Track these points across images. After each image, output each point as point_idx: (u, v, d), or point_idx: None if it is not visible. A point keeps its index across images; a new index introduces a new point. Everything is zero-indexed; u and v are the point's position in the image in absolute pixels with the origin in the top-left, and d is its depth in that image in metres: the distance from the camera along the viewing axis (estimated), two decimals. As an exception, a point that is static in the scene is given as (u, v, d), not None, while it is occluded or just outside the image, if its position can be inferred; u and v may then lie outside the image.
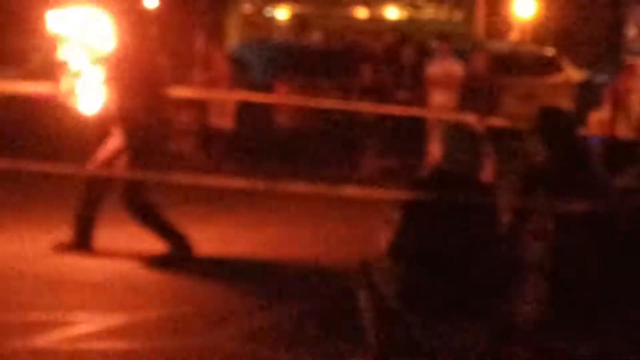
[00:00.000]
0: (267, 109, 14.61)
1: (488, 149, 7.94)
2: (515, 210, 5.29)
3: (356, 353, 5.57)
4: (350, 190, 5.54)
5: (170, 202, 8.75)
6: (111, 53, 7.80)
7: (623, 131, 10.16)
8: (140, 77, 7.89)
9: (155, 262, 7.89)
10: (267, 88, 14.71)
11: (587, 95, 17.23)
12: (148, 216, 7.97)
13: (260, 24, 29.61)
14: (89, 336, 6.14)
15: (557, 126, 5.56)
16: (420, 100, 13.54)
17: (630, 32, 11.17)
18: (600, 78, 19.06)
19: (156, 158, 7.74)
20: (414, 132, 12.12)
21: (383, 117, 12.85)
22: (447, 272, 5.08)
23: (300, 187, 5.43)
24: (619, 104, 10.38)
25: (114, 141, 7.97)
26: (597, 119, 10.35)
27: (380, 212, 5.67)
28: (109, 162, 8.01)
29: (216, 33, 18.23)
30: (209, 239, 8.71)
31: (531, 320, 5.23)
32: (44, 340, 5.98)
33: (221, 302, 6.98)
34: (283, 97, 14.41)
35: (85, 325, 6.31)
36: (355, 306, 5.52)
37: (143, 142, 7.77)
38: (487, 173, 7.72)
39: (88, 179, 8.07)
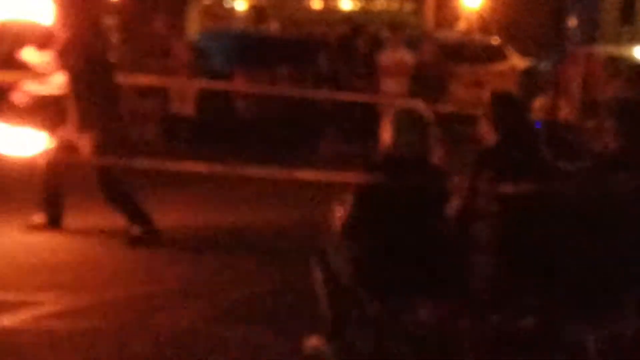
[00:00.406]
0: (227, 96, 14.55)
1: (437, 134, 7.93)
2: (465, 192, 5.31)
3: (312, 329, 5.57)
4: (306, 174, 5.50)
5: (134, 186, 8.71)
6: (58, 38, 7.70)
7: (565, 115, 10.23)
8: (89, 60, 7.79)
9: (124, 243, 7.84)
10: (227, 76, 14.67)
11: (531, 82, 17.35)
12: (120, 199, 7.92)
13: (220, 14, 29.50)
14: (56, 315, 6.09)
15: (508, 111, 5.58)
16: (373, 87, 13.56)
17: (571, 22, 11.25)
18: (544, 66, 19.22)
19: (115, 140, 7.64)
20: (367, 118, 12.14)
21: (338, 104, 12.85)
22: (398, 251, 5.08)
23: (258, 171, 5.40)
24: (561, 90, 10.46)
25: (69, 125, 7.87)
26: (541, 104, 10.41)
27: (335, 194, 5.65)
28: (69, 146, 7.91)
29: (178, 23, 18.08)
30: (172, 221, 8.69)
31: (480, 296, 5.26)
32: (10, 320, 5.93)
33: (185, 283, 6.96)
34: (242, 85, 14.35)
35: (52, 305, 6.27)
36: (311, 284, 5.52)
37: (100, 125, 7.67)
38: (436, 156, 7.72)
39: (49, 163, 7.98)
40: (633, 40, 36.75)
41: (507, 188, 5.14)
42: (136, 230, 7.95)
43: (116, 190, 7.84)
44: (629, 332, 5.71)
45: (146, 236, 7.94)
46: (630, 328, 5.71)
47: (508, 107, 5.62)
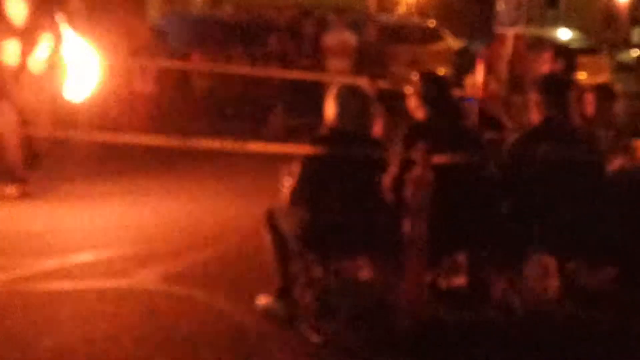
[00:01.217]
0: (185, 74, 14.42)
1: (378, 109, 7.92)
2: (400, 161, 5.31)
3: (264, 289, 5.57)
4: (257, 146, 5.47)
5: (97, 158, 8.65)
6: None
7: (494, 92, 10.26)
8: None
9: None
10: (185, 56, 14.56)
11: (464, 61, 17.40)
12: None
13: (178, -1, 29.12)
14: (25, 279, 6.02)
15: (433, 88, 5.59)
16: (320, 66, 13.54)
17: (500, 6, 11.28)
18: (475, 46, 19.29)
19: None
20: (314, 94, 12.10)
21: (287, 81, 12.80)
22: (341, 217, 5.08)
23: (212, 143, 5.35)
24: (490, 68, 10.48)
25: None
26: (472, 81, 10.43)
27: (284, 164, 5.63)
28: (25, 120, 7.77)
29: (139, 7, 17.84)
30: (134, 189, 8.65)
31: (415, 257, 5.27)
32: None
33: (144, 247, 6.90)
34: (199, 64, 14.23)
35: (20, 269, 6.19)
36: (262, 248, 5.51)
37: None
38: (377, 129, 7.70)
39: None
40: (556, 22, 37.08)
41: (436, 158, 5.16)
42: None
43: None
44: (550, 287, 5.79)
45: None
46: (551, 284, 5.79)
47: (434, 85, 5.64)
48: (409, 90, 5.76)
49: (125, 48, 13.22)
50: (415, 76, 5.81)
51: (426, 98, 5.53)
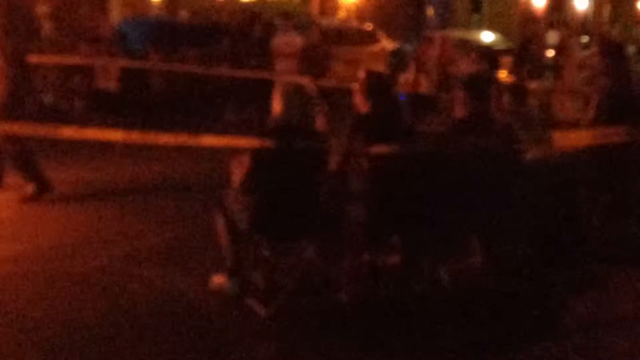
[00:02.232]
0: (144, 73, 14.24)
1: (320, 105, 7.91)
2: (342, 152, 5.31)
3: (216, 269, 5.54)
4: (210, 139, 5.42)
5: (60, 151, 8.54)
6: None
7: (424, 88, 10.32)
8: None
9: (24, 200, 7.61)
10: (144, 57, 14.40)
11: (397, 61, 17.41)
12: (22, 161, 7.66)
13: (138, 3, 28.74)
14: (-3, 262, 5.92)
15: (377, 85, 5.59)
16: (268, 66, 13.46)
17: (429, 11, 11.34)
18: (407, 47, 19.33)
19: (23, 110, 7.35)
20: (263, 92, 12.04)
21: (238, 80, 12.72)
22: (287, 202, 5.06)
23: (169, 137, 5.30)
24: (421, 67, 10.53)
25: None
26: (405, 79, 10.46)
27: (235, 155, 5.60)
28: None
29: (102, 11, 17.60)
30: (98, 180, 8.56)
31: (355, 238, 5.28)
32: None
33: (105, 232, 6.83)
34: (157, 64, 14.07)
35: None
36: (215, 231, 5.48)
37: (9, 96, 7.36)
38: (319, 123, 7.69)
39: None
40: (480, 26, 37.32)
41: (377, 148, 5.16)
42: (30, 188, 7.72)
43: (16, 153, 7.59)
44: (475, 264, 5.85)
45: (39, 193, 7.69)
46: (476, 262, 5.84)
47: (377, 82, 5.64)
48: (354, 86, 5.75)
49: (89, 49, 13.06)
50: (361, 74, 5.80)
51: (370, 94, 5.53)
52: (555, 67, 11.77)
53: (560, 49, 11.93)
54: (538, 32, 12.28)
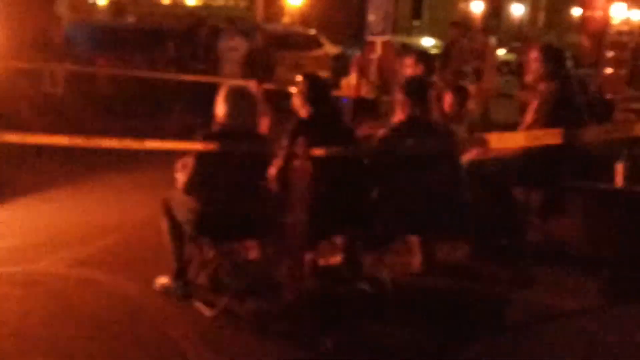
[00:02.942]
0: (91, 78, 14.06)
1: (264, 108, 7.89)
2: (283, 155, 5.29)
3: (162, 271, 5.49)
4: (154, 143, 5.35)
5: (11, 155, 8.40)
6: None
7: (366, 92, 10.36)
8: None
9: None
10: (91, 61, 14.22)
11: (340, 66, 17.47)
12: None
13: (84, 8, 28.39)
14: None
15: (315, 89, 5.58)
16: (213, 70, 13.41)
17: (371, 17, 11.38)
18: (350, 52, 19.40)
19: None
20: (208, 95, 11.96)
21: (184, 84, 12.62)
22: (230, 204, 5.03)
23: (112, 142, 5.21)
24: (363, 72, 10.57)
25: None
26: (347, 83, 10.50)
27: (180, 159, 5.54)
28: None
29: (52, 16, 17.30)
30: (41, 183, 8.42)
31: (297, 239, 5.27)
32: None
33: (51, 235, 6.71)
34: (103, 68, 13.90)
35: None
36: (160, 234, 5.42)
37: None
38: (263, 127, 7.65)
39: None
40: (421, 32, 37.62)
41: (318, 151, 5.16)
42: None
43: None
44: (415, 264, 5.88)
45: None
46: (416, 261, 5.88)
47: (316, 86, 5.62)
48: (294, 90, 5.73)
49: (41, 54, 12.84)
50: (299, 78, 5.78)
51: (309, 97, 5.51)
52: (475, 71, 11.93)
53: (479, 52, 12.08)
54: (458, 36, 12.36)
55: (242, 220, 5.07)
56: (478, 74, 11.84)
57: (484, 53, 12.17)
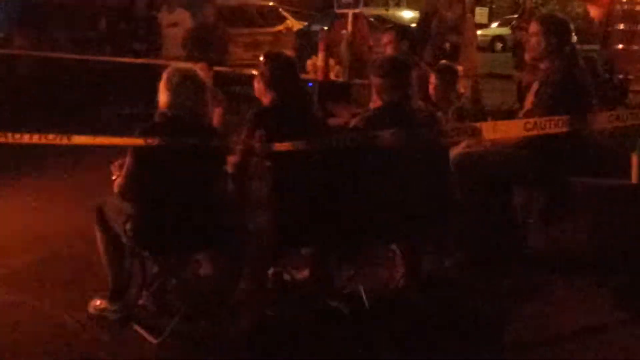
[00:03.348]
0: (6, 60, 13.90)
1: (216, 95, 7.85)
2: (241, 151, 5.25)
3: (96, 292, 5.44)
4: (84, 139, 5.29)
5: None
6: None
7: (335, 75, 10.34)
8: None
9: None
10: (6, 41, 14.06)
11: (305, 44, 17.47)
12: None
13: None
14: None
15: (281, 71, 5.55)
16: (154, 50, 13.33)
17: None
18: (316, 27, 19.39)
19: None
20: (148, 81, 11.87)
21: (119, 66, 12.52)
22: (175, 210, 4.99)
23: (34, 137, 5.15)
24: (332, 51, 10.54)
25: None
26: (313, 64, 10.48)
27: (114, 157, 5.49)
28: None
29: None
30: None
31: (258, 250, 5.25)
32: None
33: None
34: (21, 50, 13.75)
35: None
36: (95, 247, 5.37)
37: None
38: (215, 118, 7.63)
39: None
40: (400, 3, 37.66)
41: (281, 146, 5.13)
42: None
43: None
44: (397, 276, 5.88)
45: None
46: (398, 273, 5.88)
47: (281, 68, 5.59)
48: (254, 73, 5.69)
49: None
50: (262, 58, 5.74)
51: (272, 81, 5.48)
52: (452, 47, 11.97)
53: (454, 28, 12.11)
54: (439, 8, 12.37)
55: (191, 230, 5.03)
56: (455, 51, 11.88)
57: (461, 26, 12.20)
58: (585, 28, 15.76)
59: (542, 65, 6.25)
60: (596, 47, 14.88)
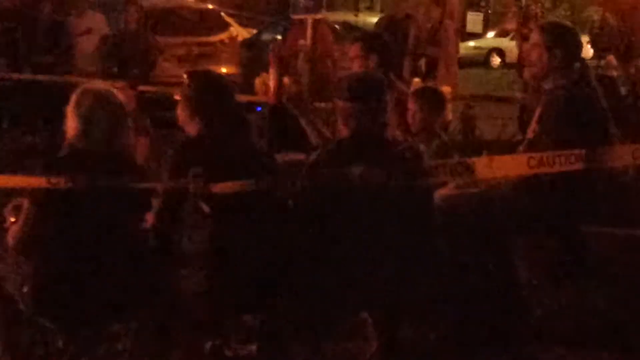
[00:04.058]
0: None
1: (139, 122, 7.84)
2: (167, 193, 5.25)
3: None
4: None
5: None
6: None
7: (290, 96, 10.34)
8: None
9: None
10: None
11: (253, 56, 17.54)
12: None
13: None
14: None
15: (210, 93, 5.56)
16: (61, 63, 13.31)
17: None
18: (267, 36, 19.48)
19: None
20: (53, 103, 11.80)
21: (16, 85, 12.49)
22: (87, 270, 4.97)
23: None
24: (286, 65, 10.54)
25: None
26: (262, 83, 10.49)
27: (9, 200, 5.47)
28: None
29: None
30: None
31: (192, 319, 5.24)
32: None
33: None
34: None
35: None
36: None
37: None
38: (139, 150, 7.62)
39: None
40: (371, 7, 37.96)
41: (215, 187, 5.13)
42: None
43: None
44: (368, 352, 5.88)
45: None
46: (369, 349, 5.88)
47: (209, 89, 5.61)
48: (178, 96, 5.71)
49: None
50: (185, 77, 5.75)
51: (199, 107, 5.49)
52: (428, 61, 12.07)
53: (430, 38, 12.22)
54: (409, 12, 12.44)
55: (105, 294, 5.00)
56: (430, 68, 11.99)
57: (440, 37, 12.33)
58: (603, 39, 15.95)
59: (546, 85, 6.30)
60: (618, 63, 15.04)
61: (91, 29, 13.51)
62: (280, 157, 6.34)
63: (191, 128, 5.52)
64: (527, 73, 6.55)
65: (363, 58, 7.49)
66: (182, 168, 5.16)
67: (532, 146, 6.09)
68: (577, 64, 6.30)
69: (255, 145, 5.92)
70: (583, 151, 5.16)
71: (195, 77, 5.70)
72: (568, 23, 7.28)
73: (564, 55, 6.25)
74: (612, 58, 14.38)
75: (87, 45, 13.27)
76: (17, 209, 5.24)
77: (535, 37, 6.40)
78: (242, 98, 7.85)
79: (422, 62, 12.07)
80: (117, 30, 13.45)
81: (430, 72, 11.75)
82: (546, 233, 6.25)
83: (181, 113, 5.58)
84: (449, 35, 12.56)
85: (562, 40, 6.30)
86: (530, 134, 6.30)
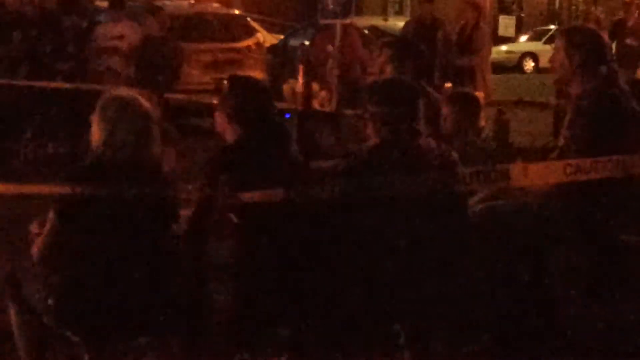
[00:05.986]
0: None
1: (166, 130, 7.86)
2: (199, 203, 5.25)
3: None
4: (-4, 187, 5.31)
5: None
6: None
7: (320, 102, 10.38)
8: None
9: None
10: None
11: (281, 63, 17.55)
12: None
13: None
14: None
15: (250, 100, 5.56)
16: (87, 72, 13.34)
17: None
18: (295, 42, 19.49)
19: None
20: (78, 111, 11.85)
21: (41, 94, 12.52)
22: (113, 281, 4.97)
23: None
24: (315, 71, 10.56)
25: None
26: (291, 88, 10.51)
27: (35, 209, 5.48)
28: None
29: None
30: None
31: (223, 332, 5.24)
32: None
33: None
34: None
35: None
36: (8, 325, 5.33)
37: None
38: (166, 159, 7.62)
39: None
40: (401, 11, 37.98)
41: (251, 196, 5.12)
42: None
43: None
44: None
45: None
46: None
47: (250, 95, 5.61)
48: (216, 102, 5.72)
49: None
50: (225, 83, 5.76)
51: (238, 113, 5.49)
52: (464, 69, 12.01)
53: (462, 44, 12.16)
54: (434, 15, 12.34)
55: (131, 307, 5.01)
56: (462, 75, 11.94)
57: (475, 42, 12.28)
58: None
59: (572, 90, 6.28)
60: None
61: (119, 35, 13.53)
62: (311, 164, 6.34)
63: (229, 134, 5.52)
64: (556, 80, 6.54)
65: (395, 64, 7.47)
66: (215, 176, 5.17)
67: (563, 153, 6.07)
68: (604, 67, 6.27)
69: (294, 154, 5.90)
70: (620, 157, 5.13)
71: (236, 82, 5.70)
72: (590, 26, 7.28)
73: (585, 59, 6.23)
74: None
75: (116, 52, 13.28)
76: (42, 223, 5.25)
77: (557, 42, 6.41)
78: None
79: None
80: (143, 37, 13.45)
81: (461, 81, 11.68)
82: (582, 243, 6.22)
83: (219, 119, 5.58)
84: (485, 41, 12.52)
85: (582, 44, 6.29)
86: (561, 141, 6.28)
